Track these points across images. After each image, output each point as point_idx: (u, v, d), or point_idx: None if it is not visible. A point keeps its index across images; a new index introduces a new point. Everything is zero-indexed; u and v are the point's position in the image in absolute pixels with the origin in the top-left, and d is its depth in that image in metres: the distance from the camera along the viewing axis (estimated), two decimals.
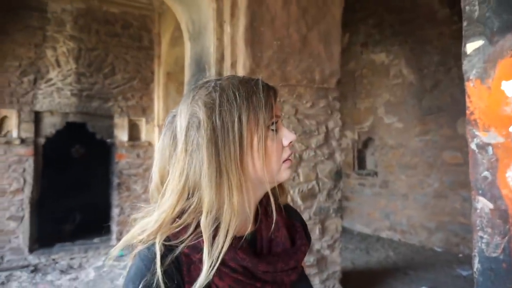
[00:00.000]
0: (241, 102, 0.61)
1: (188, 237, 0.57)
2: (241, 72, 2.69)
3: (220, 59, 2.79)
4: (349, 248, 5.18)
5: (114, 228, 5.28)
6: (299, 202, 2.92)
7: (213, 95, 0.62)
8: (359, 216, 6.35)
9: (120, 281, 4.08)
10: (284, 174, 0.67)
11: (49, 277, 4.22)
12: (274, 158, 0.64)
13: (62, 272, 4.43)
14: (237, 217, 0.59)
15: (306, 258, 2.90)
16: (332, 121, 3.12)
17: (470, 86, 0.97)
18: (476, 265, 0.97)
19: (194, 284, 0.54)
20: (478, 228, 0.97)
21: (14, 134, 4.64)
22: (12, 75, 4.67)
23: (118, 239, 5.20)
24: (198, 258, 0.57)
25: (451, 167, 4.97)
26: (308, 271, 2.95)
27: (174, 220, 0.59)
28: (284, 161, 0.66)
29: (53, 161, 5.75)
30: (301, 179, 2.95)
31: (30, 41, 4.78)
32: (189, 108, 0.63)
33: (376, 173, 6.06)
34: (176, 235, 0.58)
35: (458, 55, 4.85)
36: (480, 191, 0.97)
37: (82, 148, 7.07)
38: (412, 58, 5.42)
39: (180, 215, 0.59)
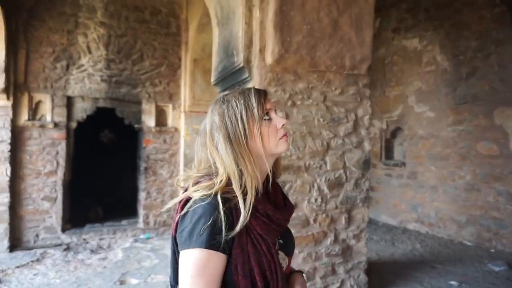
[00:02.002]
0: (240, 107, 0.93)
1: (235, 193, 0.88)
2: (269, 58, 2.64)
3: (249, 45, 2.74)
4: (374, 239, 5.11)
5: (141, 211, 5.42)
6: (326, 190, 2.88)
7: (223, 106, 0.95)
8: (384, 207, 6.23)
9: (148, 262, 4.20)
10: (281, 147, 0.97)
11: (80, 256, 4.41)
12: (271, 138, 0.95)
13: (92, 251, 4.61)
14: (255, 179, 0.90)
15: (331, 248, 2.88)
16: (362, 109, 3.03)
17: None
18: None
19: (239, 221, 0.85)
20: None
21: (48, 118, 4.82)
22: (46, 60, 4.82)
23: (145, 222, 5.35)
24: (240, 207, 0.86)
25: (486, 159, 4.76)
26: (333, 260, 2.93)
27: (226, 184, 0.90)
28: (280, 138, 0.96)
29: (83, 146, 5.95)
30: (328, 167, 2.90)
31: (63, 28, 4.91)
32: (210, 117, 0.97)
33: (404, 164, 5.89)
34: (225, 192, 0.88)
35: (499, 41, 4.59)
36: None
37: (111, 133, 7.28)
38: (447, 44, 5.17)
39: (227, 182, 0.89)
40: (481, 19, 4.71)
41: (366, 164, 3.06)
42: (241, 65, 2.76)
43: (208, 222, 0.83)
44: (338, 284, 2.96)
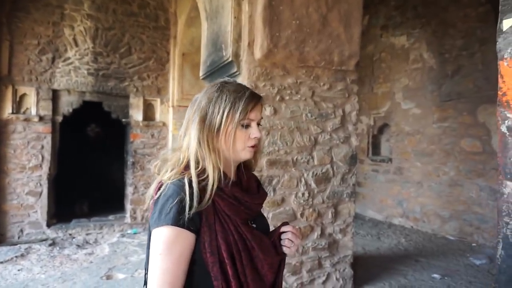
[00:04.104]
0: (227, 103, 0.97)
1: (206, 177, 0.94)
2: (258, 52, 2.65)
3: (238, 39, 2.74)
4: (360, 234, 5.18)
5: (128, 206, 5.39)
6: (313, 185, 2.91)
7: (215, 94, 0.99)
8: (371, 202, 6.32)
9: (135, 257, 4.18)
10: (243, 155, 1.01)
11: (66, 251, 4.37)
12: (240, 142, 0.99)
13: (79, 246, 4.57)
14: (217, 168, 0.94)
15: (317, 242, 2.92)
16: (349, 105, 3.06)
17: (504, 65, 0.92)
18: (500, 251, 0.95)
19: (204, 200, 0.91)
20: (504, 213, 0.94)
21: (33, 111, 4.73)
22: (31, 53, 4.72)
23: (132, 217, 5.32)
24: (193, 186, 0.93)
25: (469, 156, 4.86)
26: (320, 254, 2.96)
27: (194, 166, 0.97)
28: (248, 146, 1.01)
29: (70, 140, 5.86)
30: (316, 162, 2.93)
31: (48, 20, 4.81)
32: (201, 97, 1.01)
33: (390, 160, 5.98)
34: (197, 176, 0.94)
35: (483, 39, 4.68)
36: (509, 176, 0.93)
37: (98, 127, 7.18)
38: (434, 41, 5.25)
39: (197, 164, 0.96)
40: (466, 17, 4.80)
41: (353, 160, 3.10)
42: (230, 59, 2.76)
43: (175, 201, 0.88)
44: (324, 278, 3.00)
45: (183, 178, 0.93)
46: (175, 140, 5.32)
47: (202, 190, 0.92)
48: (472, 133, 4.83)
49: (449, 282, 3.50)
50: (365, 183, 6.44)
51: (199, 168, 0.95)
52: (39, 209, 4.80)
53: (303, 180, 2.88)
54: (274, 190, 2.76)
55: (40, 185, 4.80)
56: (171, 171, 0.98)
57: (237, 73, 2.79)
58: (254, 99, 1.00)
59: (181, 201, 0.89)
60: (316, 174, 2.93)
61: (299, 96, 2.85)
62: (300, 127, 2.86)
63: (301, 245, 2.88)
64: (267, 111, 2.72)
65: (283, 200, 2.80)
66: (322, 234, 2.97)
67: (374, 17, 6.08)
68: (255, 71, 2.68)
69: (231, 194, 0.97)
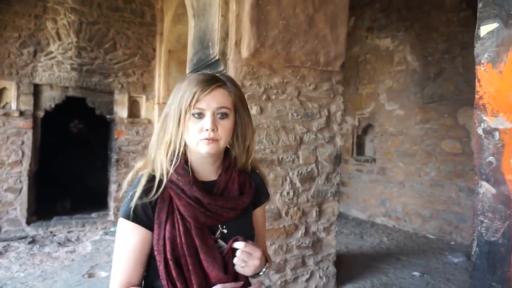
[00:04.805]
0: (182, 92, 0.92)
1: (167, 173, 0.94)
2: (245, 51, 2.65)
3: (225, 37, 2.74)
4: (344, 233, 5.26)
5: (112, 203, 5.31)
6: (298, 184, 2.94)
7: (179, 85, 0.96)
8: (355, 201, 6.41)
9: None
10: (201, 148, 0.93)
11: (46, 249, 4.28)
12: (192, 136, 0.93)
13: (60, 244, 4.48)
14: (162, 163, 0.93)
15: (301, 240, 2.94)
16: (335, 105, 3.10)
17: (481, 70, 0.96)
18: (475, 248, 0.99)
19: (149, 196, 0.91)
20: (479, 212, 0.98)
21: (13, 106, 4.61)
22: (11, 46, 4.60)
23: (116, 215, 5.25)
24: (169, 186, 0.94)
25: (449, 157, 4.99)
26: (304, 252, 3.00)
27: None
28: (201, 139, 0.92)
29: (51, 136, 5.74)
30: (301, 161, 2.95)
31: (30, 12, 4.69)
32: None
33: (374, 160, 6.08)
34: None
35: (464, 44, 4.80)
36: (484, 176, 0.97)
37: (81, 124, 7.05)
38: (417, 44, 5.36)
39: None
40: (448, 22, 4.92)
41: (337, 159, 3.14)
42: (217, 57, 2.75)
43: (130, 195, 0.91)
44: (307, 276, 3.04)
45: (144, 172, 0.96)
46: None
47: (157, 186, 0.93)
48: (452, 134, 4.95)
49: (428, 279, 3.59)
50: (349, 182, 6.53)
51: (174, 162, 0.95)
52: (19, 206, 4.69)
53: (288, 179, 2.90)
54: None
55: (20, 181, 4.68)
56: (139, 162, 1.00)
57: (224, 71, 2.79)
58: (203, 85, 0.91)
59: (133, 196, 0.90)
60: (301, 173, 2.96)
61: (285, 95, 2.87)
62: (286, 127, 2.88)
63: (285, 243, 2.90)
64: (253, 110, 2.73)
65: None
66: (306, 232, 3.00)
67: (360, 19, 6.17)
68: (241, 70, 2.69)
69: (190, 194, 0.92)
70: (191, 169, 0.96)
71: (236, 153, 1.05)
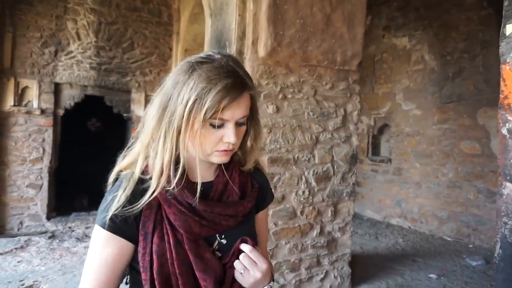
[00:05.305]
0: (192, 93, 0.72)
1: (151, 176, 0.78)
2: (262, 51, 2.66)
3: (242, 37, 2.76)
4: (359, 233, 5.22)
5: None
6: (313, 183, 2.93)
7: (181, 76, 0.75)
8: (369, 202, 6.35)
9: None
10: (214, 159, 0.80)
11: (65, 244, 4.39)
12: (207, 145, 0.77)
13: (78, 239, 4.59)
14: (166, 171, 0.76)
15: (316, 239, 2.94)
16: (351, 104, 3.08)
17: (506, 69, 0.95)
18: (498, 250, 0.97)
19: (138, 205, 0.75)
20: (502, 214, 0.97)
21: (35, 104, 4.74)
22: (34, 46, 4.73)
23: None
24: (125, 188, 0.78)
25: (468, 158, 4.89)
26: (318, 251, 2.99)
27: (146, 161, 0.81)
28: (217, 151, 0.79)
29: (71, 133, 5.87)
30: (317, 161, 2.95)
31: (51, 13, 4.81)
32: (169, 77, 0.79)
33: (390, 160, 6.01)
34: (147, 171, 0.79)
35: (485, 43, 4.70)
36: (508, 177, 0.95)
37: (99, 122, 7.19)
38: (435, 43, 5.27)
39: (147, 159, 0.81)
40: (468, 20, 4.81)
41: (353, 159, 3.12)
42: None
43: (108, 201, 0.77)
44: (322, 275, 3.03)
45: (128, 174, 0.80)
46: None
47: (143, 191, 0.76)
48: (471, 135, 4.85)
49: (445, 282, 3.54)
50: (364, 183, 6.47)
51: (143, 166, 0.79)
52: (39, 201, 4.82)
53: (303, 178, 2.90)
54: (275, 187, 2.78)
55: (41, 178, 4.81)
56: (125, 160, 0.84)
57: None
58: (230, 93, 0.73)
59: (112, 201, 0.76)
60: (317, 172, 2.95)
61: (301, 94, 2.87)
62: (301, 126, 2.88)
63: (300, 242, 2.90)
64: (270, 109, 2.74)
65: (283, 197, 2.82)
66: (321, 232, 3.00)
67: (377, 17, 6.09)
68: (258, 69, 2.70)
69: (182, 199, 0.77)
70: (184, 168, 0.79)
71: (240, 152, 0.92)
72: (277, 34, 2.65)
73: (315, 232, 2.97)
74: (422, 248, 4.61)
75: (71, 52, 4.93)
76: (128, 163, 0.82)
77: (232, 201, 0.84)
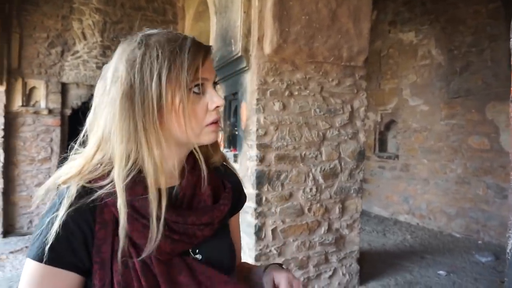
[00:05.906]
0: (162, 61, 0.60)
1: (107, 184, 0.60)
2: (267, 48, 2.65)
3: (247, 34, 2.75)
4: (366, 230, 5.19)
5: None
6: (321, 180, 2.92)
7: (136, 52, 0.62)
8: (377, 198, 6.32)
9: None
10: (206, 137, 0.67)
11: None
12: (194, 121, 0.64)
13: None
14: (162, 170, 0.61)
15: (324, 237, 2.93)
16: (358, 101, 3.06)
17: None
18: (510, 246, 0.96)
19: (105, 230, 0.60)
20: None
21: (42, 104, 4.78)
22: (40, 46, 4.77)
23: None
24: (112, 203, 0.60)
25: (477, 153, 4.84)
26: (326, 249, 2.99)
27: (96, 167, 0.63)
28: (207, 125, 0.66)
29: (76, 134, 5.92)
30: (324, 157, 2.94)
31: (57, 13, 4.85)
32: (115, 63, 0.64)
33: (397, 156, 5.97)
34: (96, 181, 0.61)
35: (493, 36, 4.64)
36: None
37: None
38: (442, 38, 5.21)
39: (102, 163, 0.63)
40: (476, 14, 4.75)
41: (360, 155, 3.10)
42: (239, 54, 2.77)
43: (46, 223, 0.58)
44: (330, 273, 3.03)
45: (71, 186, 0.62)
46: None
47: (100, 208, 0.60)
48: (480, 130, 4.80)
49: (455, 278, 3.51)
50: (371, 179, 6.44)
51: (129, 167, 0.61)
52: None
53: (311, 175, 2.89)
54: (282, 185, 2.78)
55: (49, 177, 4.84)
56: (69, 170, 0.65)
57: (246, 68, 2.80)
58: (201, 46, 0.65)
59: (52, 222, 0.58)
60: (324, 169, 2.94)
61: (308, 91, 2.85)
62: (308, 123, 2.87)
63: (308, 240, 2.90)
64: (276, 106, 2.73)
65: (291, 195, 2.82)
66: (329, 229, 2.99)
67: (382, 12, 6.04)
68: (264, 66, 2.69)
69: (146, 211, 0.60)
70: (140, 170, 0.62)
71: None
72: (282, 31, 2.64)
73: (323, 229, 2.96)
74: (430, 245, 4.58)
75: (77, 52, 4.96)
76: (72, 175, 0.63)
77: (205, 206, 0.69)
